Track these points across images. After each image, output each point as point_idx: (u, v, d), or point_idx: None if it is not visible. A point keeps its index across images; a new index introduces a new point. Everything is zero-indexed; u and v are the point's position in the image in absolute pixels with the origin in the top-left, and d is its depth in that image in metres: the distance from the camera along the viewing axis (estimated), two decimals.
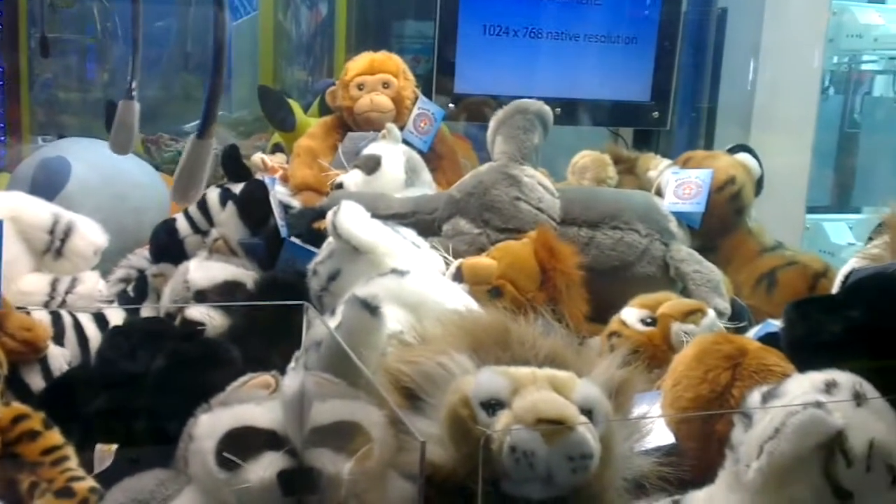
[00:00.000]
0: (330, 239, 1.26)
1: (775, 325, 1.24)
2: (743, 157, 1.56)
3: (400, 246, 1.26)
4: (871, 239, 1.15)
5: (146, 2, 1.29)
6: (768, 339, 1.08)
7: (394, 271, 1.18)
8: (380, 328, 1.02)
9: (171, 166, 2.41)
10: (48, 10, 2.98)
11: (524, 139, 1.40)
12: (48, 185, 1.57)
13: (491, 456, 0.73)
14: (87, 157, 1.71)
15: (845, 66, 2.69)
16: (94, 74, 3.36)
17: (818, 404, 0.78)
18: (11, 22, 2.82)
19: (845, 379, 0.83)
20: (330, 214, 1.24)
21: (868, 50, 2.54)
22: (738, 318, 1.37)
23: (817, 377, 0.84)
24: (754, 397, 0.85)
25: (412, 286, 1.16)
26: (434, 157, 1.81)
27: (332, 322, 1.10)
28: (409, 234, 1.30)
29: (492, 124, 1.44)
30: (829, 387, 0.82)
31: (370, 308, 1.02)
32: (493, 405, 0.76)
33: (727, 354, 0.98)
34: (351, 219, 1.23)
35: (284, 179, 1.75)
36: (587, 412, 0.77)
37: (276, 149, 1.95)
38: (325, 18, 3.28)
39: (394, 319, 1.12)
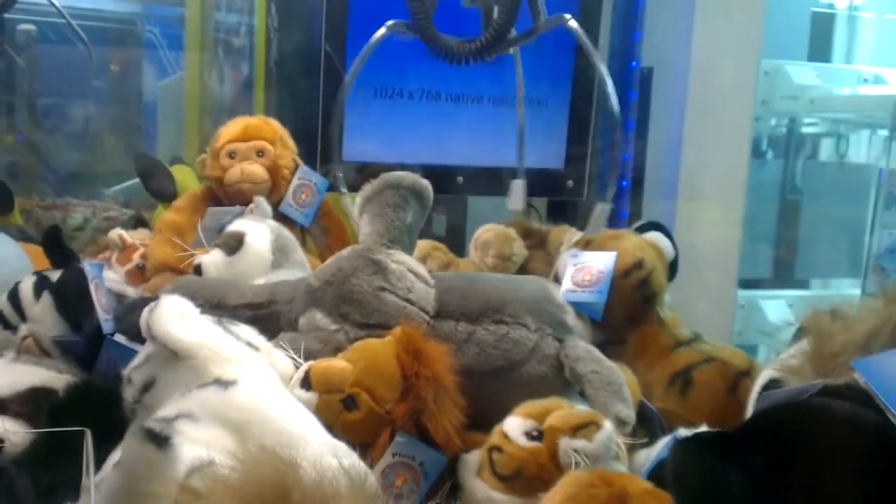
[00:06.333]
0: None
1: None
2: (653, 236, 1.36)
3: (230, 348, 1.04)
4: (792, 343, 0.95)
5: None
6: None
7: (217, 382, 0.96)
8: (168, 467, 0.80)
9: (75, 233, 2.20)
10: None
11: (394, 218, 1.19)
12: None
13: None
14: None
15: (784, 128, 2.53)
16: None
17: None
18: None
19: None
20: (145, 311, 1.03)
21: (805, 112, 2.38)
22: (647, 424, 1.17)
23: None
24: None
25: (238, 400, 0.95)
26: (318, 232, 1.61)
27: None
28: (247, 332, 1.08)
29: (358, 200, 1.23)
30: None
31: (157, 440, 0.80)
32: None
33: (603, 503, 0.77)
34: (168, 316, 1.02)
35: (144, 258, 1.54)
36: None
37: (139, 223, 1.73)
38: (245, 78, 3.15)
39: (210, 445, 0.91)
